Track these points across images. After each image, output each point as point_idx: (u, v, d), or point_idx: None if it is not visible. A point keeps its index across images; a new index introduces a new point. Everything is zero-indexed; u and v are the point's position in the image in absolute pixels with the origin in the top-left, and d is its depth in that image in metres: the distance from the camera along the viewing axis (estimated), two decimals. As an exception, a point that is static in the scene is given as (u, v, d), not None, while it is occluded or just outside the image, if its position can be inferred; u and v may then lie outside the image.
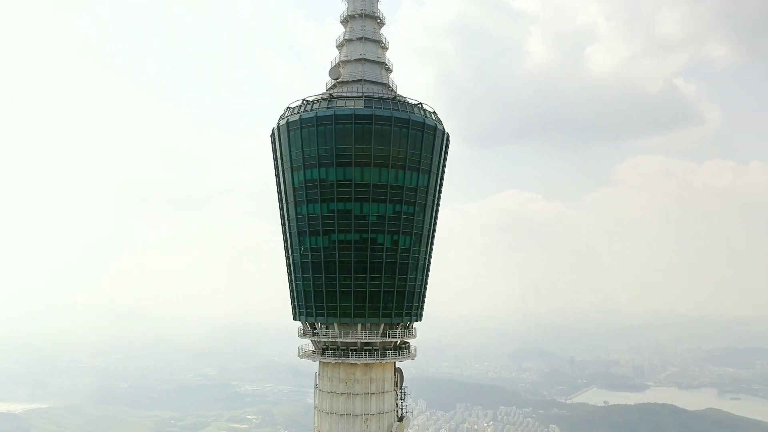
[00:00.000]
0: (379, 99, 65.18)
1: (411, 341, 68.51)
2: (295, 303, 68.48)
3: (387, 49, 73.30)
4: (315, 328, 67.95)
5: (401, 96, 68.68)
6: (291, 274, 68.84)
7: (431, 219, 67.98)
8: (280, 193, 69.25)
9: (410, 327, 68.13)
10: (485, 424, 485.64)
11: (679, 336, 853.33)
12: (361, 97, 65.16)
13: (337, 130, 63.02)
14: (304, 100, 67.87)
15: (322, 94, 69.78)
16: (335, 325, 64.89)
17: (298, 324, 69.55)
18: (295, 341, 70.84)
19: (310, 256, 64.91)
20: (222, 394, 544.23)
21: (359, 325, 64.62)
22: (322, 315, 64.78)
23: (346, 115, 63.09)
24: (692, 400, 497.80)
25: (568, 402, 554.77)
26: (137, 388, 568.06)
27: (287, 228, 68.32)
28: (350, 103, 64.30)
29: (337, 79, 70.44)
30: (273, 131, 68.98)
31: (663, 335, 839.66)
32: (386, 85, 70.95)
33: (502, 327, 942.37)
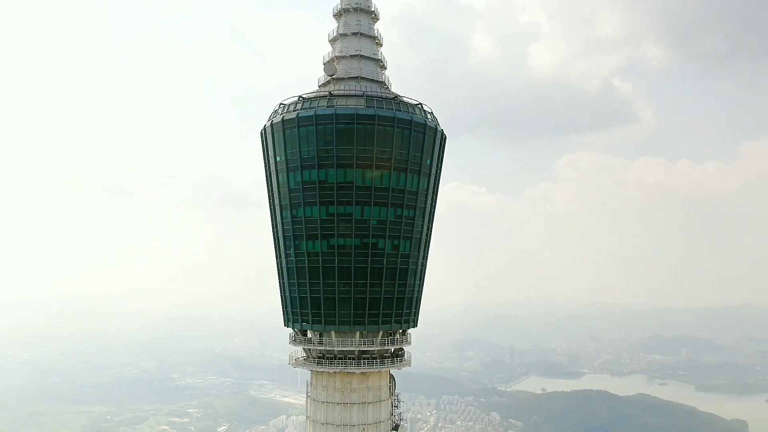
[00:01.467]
0: (381, 99, 62.73)
1: (406, 348, 66.81)
2: (288, 309, 65.50)
3: (381, 45, 70.93)
4: (306, 336, 65.24)
5: (399, 95, 66.50)
6: (283, 279, 65.78)
7: (429, 223, 66.42)
8: (272, 195, 65.91)
9: (406, 333, 66.47)
10: (429, 413, 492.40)
11: (612, 325, 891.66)
12: (363, 96, 62.55)
13: (338, 130, 60.27)
14: (300, 97, 64.63)
15: (317, 90, 66.82)
16: (332, 333, 62.41)
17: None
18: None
19: (306, 261, 62.05)
20: (161, 388, 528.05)
21: (357, 333, 62.42)
22: (319, 323, 62.17)
23: (348, 114, 60.36)
24: (623, 386, 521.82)
25: (507, 390, 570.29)
26: (71, 383, 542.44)
27: (279, 231, 65.14)
28: (351, 102, 61.58)
29: (332, 75, 67.43)
30: (265, 129, 65.44)
31: (597, 324, 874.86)
32: (383, 83, 68.61)
33: (445, 317, 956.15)
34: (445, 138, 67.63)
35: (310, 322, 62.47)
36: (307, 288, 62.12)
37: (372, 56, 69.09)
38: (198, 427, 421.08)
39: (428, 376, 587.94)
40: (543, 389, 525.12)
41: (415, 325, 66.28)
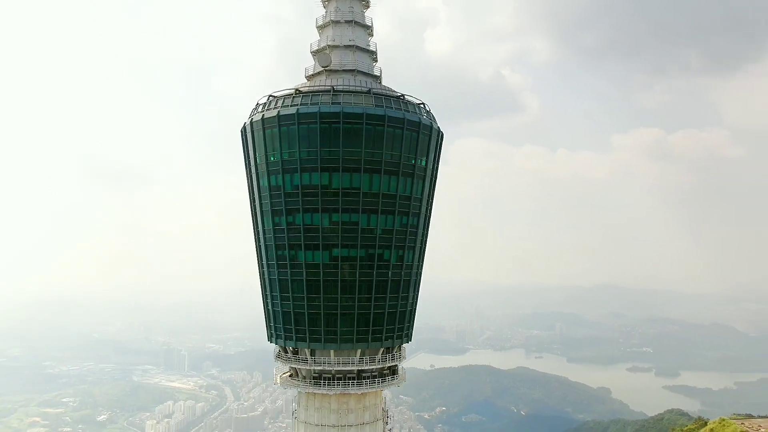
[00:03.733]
0: (389, 97, 57.63)
1: (400, 364, 63.01)
2: (275, 325, 59.32)
3: (372, 35, 65.57)
4: (298, 353, 59.49)
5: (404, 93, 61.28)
6: (269, 292, 59.38)
7: (428, 230, 62.70)
8: (258, 198, 58.98)
9: (402, 348, 62.69)
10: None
11: (495, 303, 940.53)
12: (370, 93, 57.12)
13: (345, 130, 54.52)
14: (296, 90, 57.95)
15: (307, 84, 60.46)
16: (332, 351, 57.23)
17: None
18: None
19: (304, 273, 56.07)
20: (32, 377, 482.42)
21: (358, 351, 57.76)
22: (318, 341, 56.64)
23: (356, 113, 54.71)
24: (505, 360, 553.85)
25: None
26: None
27: (266, 239, 58.47)
28: (358, 100, 55.91)
29: (326, 66, 61.14)
30: (250, 125, 58.05)
31: (482, 302, 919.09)
32: (378, 78, 63.38)
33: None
34: (443, 138, 63.74)
35: (307, 341, 56.72)
36: (305, 303, 56.28)
37: (366, 47, 63.59)
38: (75, 417, 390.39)
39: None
40: (432, 365, 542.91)
41: (410, 339, 62.44)
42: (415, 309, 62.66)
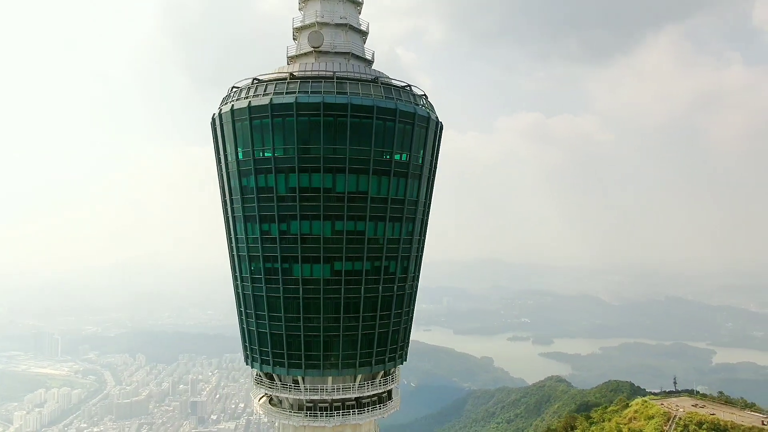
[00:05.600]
0: (398, 89, 50.42)
1: (395, 385, 56.48)
2: (257, 348, 50.89)
3: (360, 12, 57.56)
4: (282, 381, 51.56)
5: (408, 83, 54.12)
6: (250, 310, 50.76)
7: (425, 236, 56.59)
8: (235, 201, 49.90)
9: (398, 369, 56.47)
10: (210, 373, 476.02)
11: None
12: (378, 83, 49.50)
13: (352, 125, 46.76)
14: (290, 74, 49.01)
15: (286, 69, 51.68)
16: (329, 378, 49.94)
17: None
18: None
19: (301, 290, 48.03)
20: None
21: (359, 376, 50.95)
22: (316, 367, 48.94)
23: (365, 106, 46.98)
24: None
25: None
26: None
27: (249, 249, 49.60)
28: (366, 90, 48.11)
29: (317, 46, 52.52)
30: (230, 113, 48.48)
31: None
32: (370, 63, 55.81)
33: (225, 273, 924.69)
34: (442, 130, 57.14)
35: (303, 367, 48.85)
36: (300, 324, 48.36)
37: (358, 26, 55.59)
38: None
39: (208, 336, 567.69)
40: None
41: (406, 359, 56.11)
42: (411, 324, 56.56)
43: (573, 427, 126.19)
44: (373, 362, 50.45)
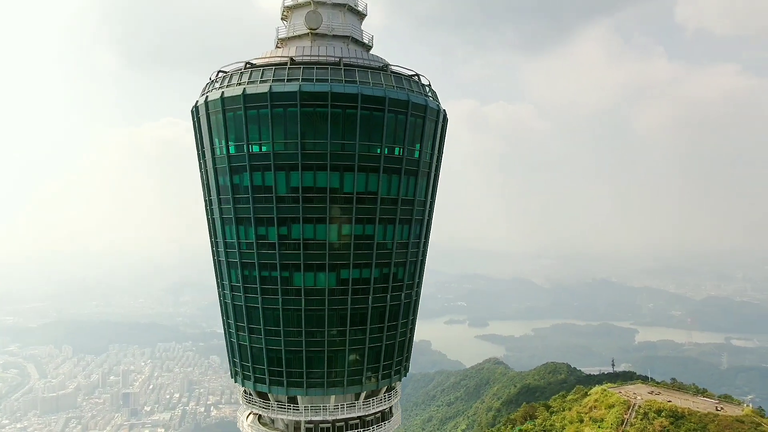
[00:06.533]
0: (408, 78, 45.88)
1: (396, 401, 52.24)
2: (250, 365, 45.62)
3: (355, -7, 52.36)
4: (277, 399, 46.56)
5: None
6: (242, 323, 45.42)
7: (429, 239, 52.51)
8: (222, 201, 44.27)
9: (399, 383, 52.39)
10: (143, 363, 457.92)
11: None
12: (388, 71, 44.80)
13: (362, 118, 41.97)
14: (290, 58, 43.48)
15: (275, 54, 46.22)
16: (332, 397, 45.38)
17: None
18: None
19: (303, 302, 43.07)
20: None
21: (364, 393, 46.68)
22: (319, 386, 44.24)
23: (377, 98, 42.26)
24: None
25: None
26: None
27: (240, 255, 44.14)
28: (376, 79, 43.36)
29: (315, 28, 47.12)
30: (221, 101, 42.66)
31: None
32: (369, 48, 50.91)
33: (157, 260, 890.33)
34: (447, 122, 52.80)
35: (305, 386, 44.05)
36: (302, 339, 43.48)
37: (356, 7, 50.43)
38: None
39: (141, 324, 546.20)
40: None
41: (408, 371, 52.07)
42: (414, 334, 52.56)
43: (533, 417, 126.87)
44: (380, 377, 46.31)
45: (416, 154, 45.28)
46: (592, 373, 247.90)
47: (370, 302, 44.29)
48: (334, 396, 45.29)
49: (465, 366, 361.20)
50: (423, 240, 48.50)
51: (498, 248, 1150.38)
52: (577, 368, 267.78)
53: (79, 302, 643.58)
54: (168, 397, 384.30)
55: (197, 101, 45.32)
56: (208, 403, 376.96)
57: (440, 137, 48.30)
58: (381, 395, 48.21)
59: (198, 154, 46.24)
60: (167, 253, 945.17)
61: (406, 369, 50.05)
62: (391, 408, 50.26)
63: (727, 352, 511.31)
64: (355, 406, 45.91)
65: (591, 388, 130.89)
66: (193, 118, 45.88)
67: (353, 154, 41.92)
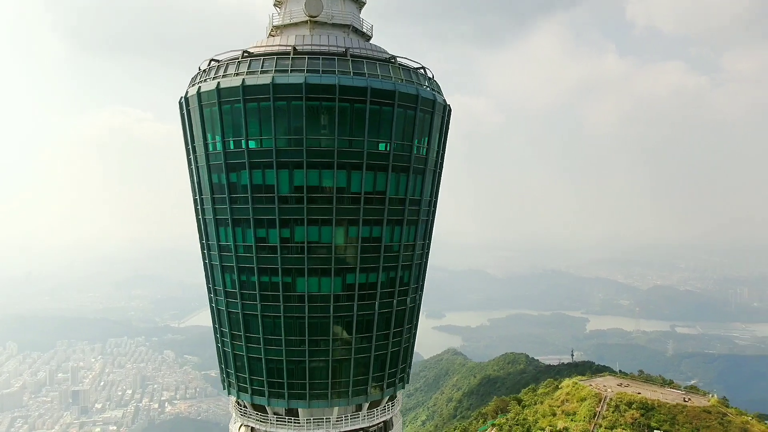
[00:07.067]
0: (416, 70, 43.36)
1: (397, 410, 49.88)
2: (246, 377, 42.48)
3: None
4: (275, 411, 43.64)
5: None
6: (238, 331, 42.24)
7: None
8: (215, 201, 40.98)
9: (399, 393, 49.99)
10: (93, 359, 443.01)
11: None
12: (396, 63, 42.16)
13: (371, 113, 39.28)
14: (293, 47, 40.27)
15: (267, 43, 43.08)
16: (336, 409, 42.77)
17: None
18: None
19: (306, 309, 40.24)
20: None
21: (366, 404, 44.24)
22: (322, 397, 41.57)
23: (386, 91, 39.61)
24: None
25: (181, 326, 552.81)
26: None
27: (237, 260, 40.92)
28: (384, 71, 40.66)
29: (314, 16, 44.02)
30: (217, 92, 39.21)
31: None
32: (369, 38, 48.15)
33: (108, 253, 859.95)
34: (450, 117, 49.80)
35: (307, 398, 41.32)
36: (305, 349, 40.68)
37: (355, -7, 47.55)
38: None
39: (90, 319, 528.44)
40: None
41: (408, 380, 49.90)
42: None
43: (505, 410, 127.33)
44: (385, 386, 44.01)
45: (424, 152, 42.95)
46: (551, 363, 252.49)
47: (376, 308, 41.82)
48: (337, 408, 42.72)
49: (423, 357, 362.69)
50: (428, 241, 46.31)
51: (454, 240, 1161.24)
52: (535, 358, 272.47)
53: (26, 298, 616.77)
54: (120, 393, 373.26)
55: (187, 92, 41.72)
56: (162, 399, 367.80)
57: (446, 134, 46.14)
58: (383, 405, 45.85)
59: (187, 149, 42.66)
60: (120, 246, 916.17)
61: (408, 376, 47.87)
62: (392, 418, 48.03)
63: (673, 339, 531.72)
64: (358, 417, 43.43)
65: (561, 381, 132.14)
66: (181, 111, 42.26)
67: (361, 152, 39.21)
